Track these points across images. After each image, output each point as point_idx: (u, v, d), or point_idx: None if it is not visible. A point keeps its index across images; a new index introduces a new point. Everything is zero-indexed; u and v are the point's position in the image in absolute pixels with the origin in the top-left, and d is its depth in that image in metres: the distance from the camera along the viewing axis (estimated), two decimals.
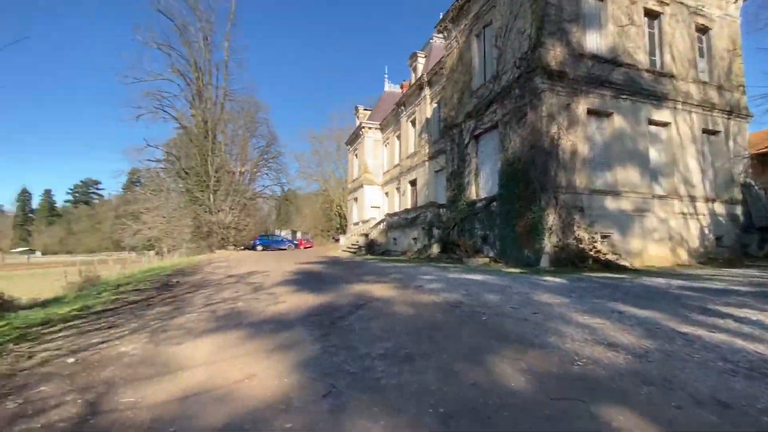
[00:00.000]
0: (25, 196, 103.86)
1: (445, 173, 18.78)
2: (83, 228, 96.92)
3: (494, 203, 14.00)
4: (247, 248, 33.79)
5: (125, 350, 3.79)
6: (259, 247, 32.36)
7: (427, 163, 23.82)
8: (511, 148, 13.13)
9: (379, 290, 7.15)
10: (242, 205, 32.20)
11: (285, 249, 32.84)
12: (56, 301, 7.97)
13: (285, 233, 49.93)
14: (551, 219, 11.62)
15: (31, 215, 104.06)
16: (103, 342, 4.06)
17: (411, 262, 14.71)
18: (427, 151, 23.84)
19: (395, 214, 23.46)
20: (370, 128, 33.81)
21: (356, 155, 37.06)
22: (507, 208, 13.06)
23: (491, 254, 13.76)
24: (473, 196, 15.69)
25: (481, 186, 15.63)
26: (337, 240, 33.10)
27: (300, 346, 3.82)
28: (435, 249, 16.12)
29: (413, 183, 26.41)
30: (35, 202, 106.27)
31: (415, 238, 18.71)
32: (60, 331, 4.53)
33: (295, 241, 37.43)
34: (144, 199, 33.02)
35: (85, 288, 10.79)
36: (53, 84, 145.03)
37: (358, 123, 36.51)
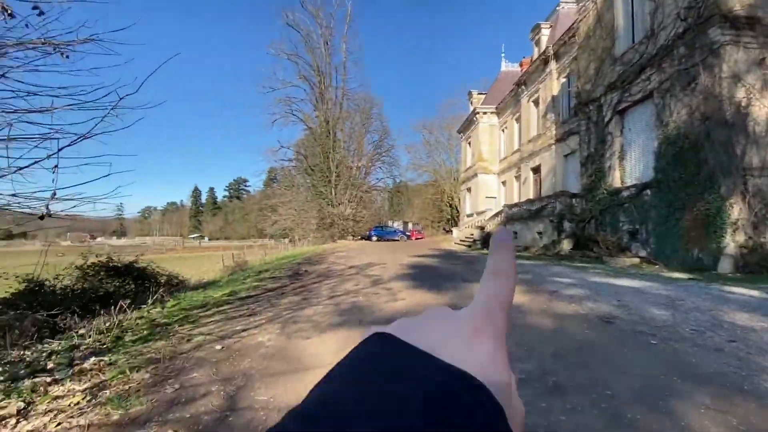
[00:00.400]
0: (196, 193, 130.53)
1: (577, 157, 16.39)
2: (236, 218, 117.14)
3: (647, 191, 11.54)
4: (363, 238, 35.79)
5: (262, 341, 4.05)
6: (374, 238, 33.93)
7: (553, 146, 21.25)
8: (673, 123, 10.55)
9: None
10: (359, 197, 34.21)
11: (397, 240, 33.74)
12: (213, 284, 9.43)
13: (397, 224, 51.45)
14: (737, 211, 8.95)
15: (201, 208, 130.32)
16: (244, 330, 4.45)
17: (537, 259, 13.26)
18: (553, 133, 21.25)
19: (515, 204, 21.63)
20: (484, 113, 31.88)
21: (469, 143, 35.51)
22: (667, 197, 10.59)
23: (642, 253, 11.41)
24: (617, 183, 13.26)
25: (627, 171, 13.09)
26: (449, 231, 32.46)
27: None
28: (566, 245, 14.22)
29: (536, 170, 23.95)
30: (203, 198, 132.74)
31: (540, 232, 16.89)
32: (212, 315, 5.17)
33: (407, 232, 38.20)
34: (279, 194, 37.93)
35: (235, 272, 12.69)
36: (211, 95, 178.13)
37: (471, 108, 34.82)
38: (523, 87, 25.73)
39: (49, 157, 2.85)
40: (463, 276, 8.88)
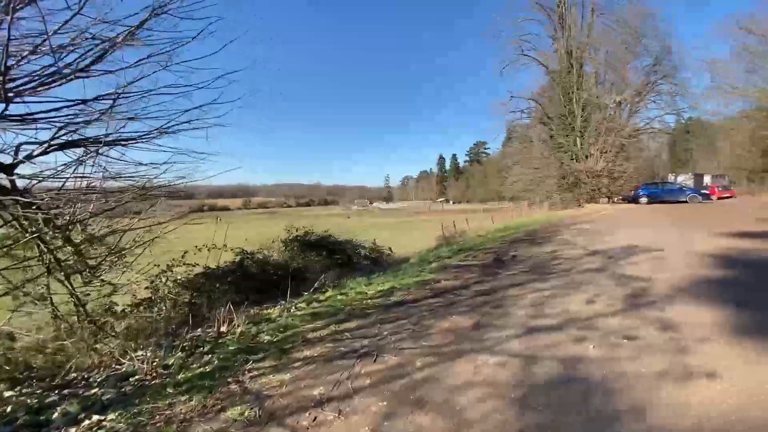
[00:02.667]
0: (441, 161, 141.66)
1: None
2: (476, 182, 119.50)
3: None
4: (626, 200, 27.14)
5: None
6: (644, 200, 24.85)
7: None
8: None
9: None
10: (618, 146, 25.60)
11: (685, 202, 23.35)
12: (401, 266, 7.89)
13: (684, 178, 37.02)
14: None
15: (445, 174, 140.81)
16: (314, 405, 2.26)
17: None
18: None
19: None
20: None
21: None
22: None
23: None
24: None
25: None
26: None
27: None
28: None
29: None
30: (447, 164, 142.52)
31: None
32: (321, 343, 3.29)
33: (703, 191, 26.02)
34: (514, 153, 34.05)
35: (440, 246, 10.97)
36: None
37: None
38: None
39: None
40: None
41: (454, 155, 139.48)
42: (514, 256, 7.19)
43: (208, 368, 3.13)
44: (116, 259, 5.83)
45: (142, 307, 6.10)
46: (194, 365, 3.25)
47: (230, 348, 3.51)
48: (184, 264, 6.68)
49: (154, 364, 3.26)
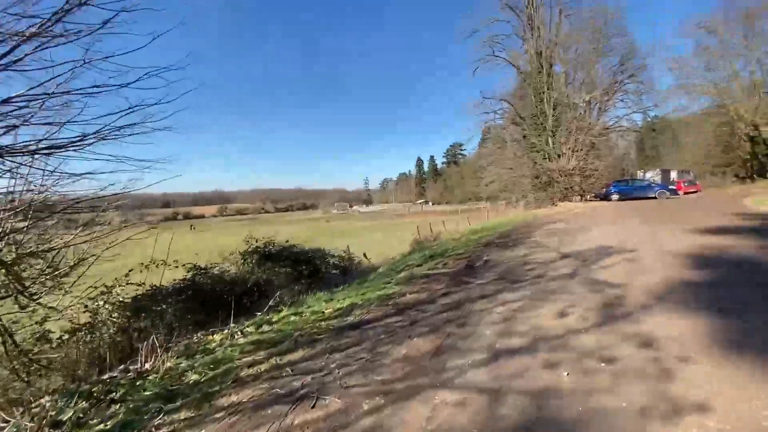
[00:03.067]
0: (420, 163, 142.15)
1: None
2: (454, 183, 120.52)
3: None
4: (598, 198, 27.63)
5: None
6: (615, 196, 25.31)
7: None
8: None
9: None
10: (589, 144, 26.01)
11: (654, 197, 23.92)
12: (368, 276, 7.41)
13: (652, 174, 38.16)
14: None
15: (424, 176, 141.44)
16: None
17: None
18: None
19: None
20: None
21: None
22: None
23: None
24: None
25: None
26: (747, 179, 20.20)
27: None
28: None
29: None
30: (426, 166, 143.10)
31: None
32: (256, 383, 2.74)
33: (669, 186, 26.80)
34: (489, 153, 34.24)
35: (414, 251, 10.55)
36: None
37: None
38: None
39: None
40: None
41: (431, 157, 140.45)
42: (486, 262, 6.82)
43: (109, 424, 2.55)
44: (53, 278, 5.16)
45: (81, 334, 5.41)
46: (95, 420, 2.65)
47: (146, 393, 2.93)
48: (127, 283, 6.00)
49: (44, 421, 2.65)
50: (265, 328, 4.49)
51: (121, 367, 3.54)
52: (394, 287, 5.44)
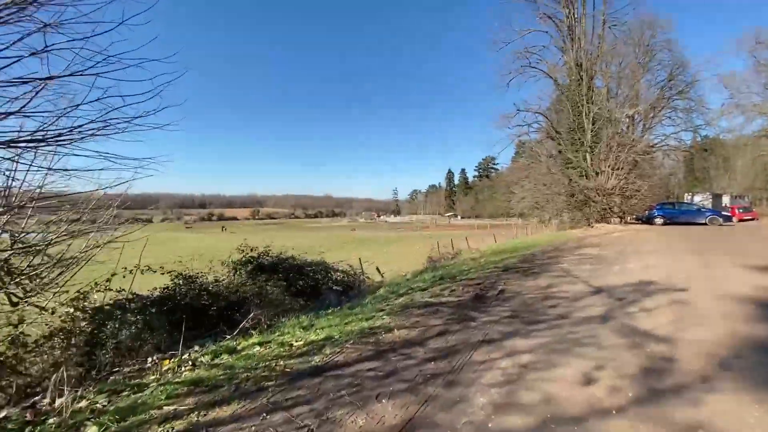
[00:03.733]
0: (450, 175, 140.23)
1: None
2: (485, 197, 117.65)
3: None
4: (639, 220, 25.46)
5: None
6: (659, 220, 23.14)
7: None
8: None
9: None
10: (631, 162, 24.01)
11: (704, 223, 21.59)
12: (369, 296, 6.61)
13: (701, 198, 35.04)
14: None
15: (454, 189, 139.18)
16: None
17: None
18: None
19: None
20: None
21: None
22: None
23: None
24: None
25: None
26: None
27: None
28: None
29: None
30: (456, 179, 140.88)
31: None
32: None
33: (723, 212, 24.18)
34: (522, 168, 32.68)
35: (426, 271, 9.65)
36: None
37: None
38: None
39: None
40: None
41: (462, 170, 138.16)
42: (501, 292, 5.83)
43: None
44: (31, 279, 4.81)
45: (57, 339, 4.98)
46: None
47: None
48: (107, 289, 5.56)
49: None
50: (223, 358, 3.80)
51: (26, 402, 2.94)
52: (383, 318, 4.61)
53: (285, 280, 7.41)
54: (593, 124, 24.65)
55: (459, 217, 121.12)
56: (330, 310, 5.77)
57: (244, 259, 7.26)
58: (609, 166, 23.32)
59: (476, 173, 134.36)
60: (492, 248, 14.03)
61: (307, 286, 7.72)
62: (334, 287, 8.49)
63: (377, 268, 13.37)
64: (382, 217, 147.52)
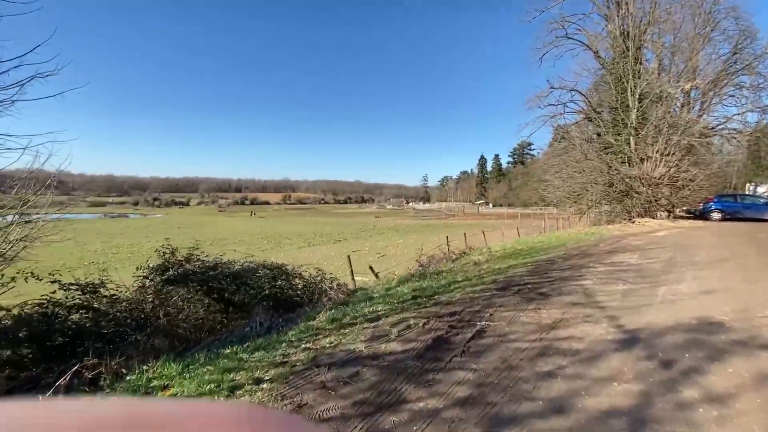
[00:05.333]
0: (482, 161, 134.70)
1: None
2: (519, 184, 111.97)
3: None
4: (692, 215, 22.00)
5: None
6: (716, 215, 19.68)
7: None
8: None
9: None
10: (684, 147, 20.46)
11: None
12: (307, 321, 4.85)
13: (765, 189, 30.40)
14: None
15: (486, 175, 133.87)
16: None
17: None
18: None
19: None
20: None
21: None
22: None
23: None
24: None
25: None
26: None
27: None
28: None
29: None
30: (489, 166, 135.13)
31: None
32: None
33: None
34: (556, 154, 29.52)
35: (411, 278, 7.73)
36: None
37: None
38: None
39: None
40: None
41: (496, 156, 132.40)
42: (480, 333, 3.86)
43: None
44: None
45: None
46: None
47: None
48: None
49: None
50: None
51: None
52: (264, 385, 2.85)
53: (214, 293, 5.81)
54: (639, 102, 21.19)
55: (490, 205, 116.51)
56: (248, 342, 4.10)
57: (160, 265, 5.69)
58: (657, 151, 19.97)
59: (510, 159, 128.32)
60: (505, 248, 11.84)
61: (243, 301, 6.07)
62: (295, 298, 6.82)
63: (371, 267, 11.65)
64: (410, 204, 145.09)
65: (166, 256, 5.77)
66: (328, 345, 3.76)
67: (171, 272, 5.41)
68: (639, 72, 21.73)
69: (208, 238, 31.60)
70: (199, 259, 6.01)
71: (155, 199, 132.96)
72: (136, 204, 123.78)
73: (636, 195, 19.93)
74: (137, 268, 5.71)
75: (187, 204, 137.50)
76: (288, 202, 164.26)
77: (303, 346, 3.79)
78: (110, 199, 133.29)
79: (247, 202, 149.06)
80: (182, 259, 5.80)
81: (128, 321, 4.65)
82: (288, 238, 31.87)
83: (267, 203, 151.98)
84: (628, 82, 21.46)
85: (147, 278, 5.47)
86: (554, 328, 4.08)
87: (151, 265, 5.72)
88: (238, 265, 6.50)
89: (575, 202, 25.43)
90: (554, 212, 41.67)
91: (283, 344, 3.95)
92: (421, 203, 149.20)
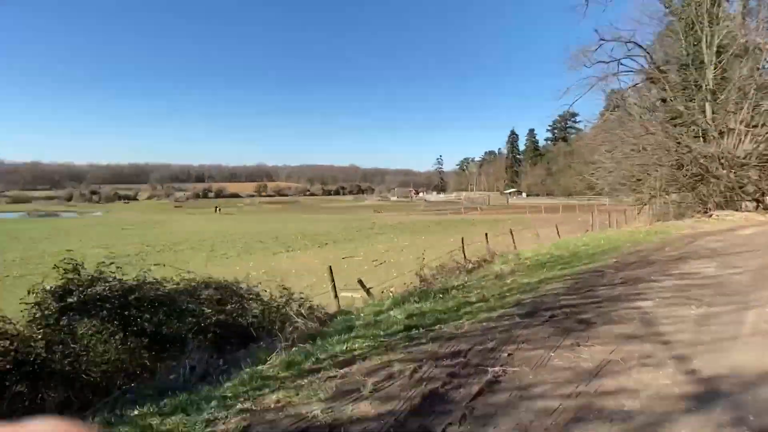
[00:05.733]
0: (512, 138, 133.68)
1: None
2: (560, 168, 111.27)
3: None
4: None
5: None
6: None
7: None
8: None
9: None
10: None
11: None
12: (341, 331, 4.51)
13: None
14: None
15: (518, 156, 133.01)
16: None
17: None
18: None
19: None
20: None
21: None
22: None
23: None
24: None
25: None
26: None
27: None
28: None
29: None
30: (522, 143, 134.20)
31: None
32: None
33: None
34: (607, 128, 29.10)
35: (410, 297, 7.38)
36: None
37: None
38: None
39: None
40: None
41: (530, 130, 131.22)
42: (490, 386, 3.46)
43: None
44: None
45: None
46: None
47: None
48: None
49: None
50: None
51: None
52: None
53: (133, 324, 5.48)
54: (718, 57, 20.62)
55: (523, 195, 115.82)
56: (167, 398, 3.75)
57: (59, 287, 5.34)
58: (741, 122, 19.43)
59: (549, 135, 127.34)
60: (539, 254, 11.46)
61: (182, 333, 5.74)
62: (253, 327, 6.48)
63: (360, 282, 11.33)
64: (420, 194, 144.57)
65: (68, 275, 5.43)
66: (273, 406, 3.40)
67: (73, 297, 5.07)
68: (718, 17, 21.18)
69: (159, 242, 31.47)
70: (114, 279, 5.67)
71: (93, 193, 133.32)
72: (69, 199, 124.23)
73: (714, 180, 19.53)
74: (28, 292, 5.37)
75: (135, 198, 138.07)
76: (264, 194, 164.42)
77: (239, 406, 3.44)
78: (36, 194, 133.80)
79: (212, 194, 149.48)
80: (90, 277, 5.46)
81: (7, 367, 4.32)
82: (261, 241, 31.64)
83: (237, 196, 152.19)
84: (703, 31, 20.94)
85: (39, 305, 5.13)
86: (598, 375, 3.70)
87: (47, 288, 5.39)
88: (172, 284, 6.15)
89: (633, 190, 25.12)
90: (606, 204, 41.22)
91: (213, 403, 3.60)
92: (434, 193, 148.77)
